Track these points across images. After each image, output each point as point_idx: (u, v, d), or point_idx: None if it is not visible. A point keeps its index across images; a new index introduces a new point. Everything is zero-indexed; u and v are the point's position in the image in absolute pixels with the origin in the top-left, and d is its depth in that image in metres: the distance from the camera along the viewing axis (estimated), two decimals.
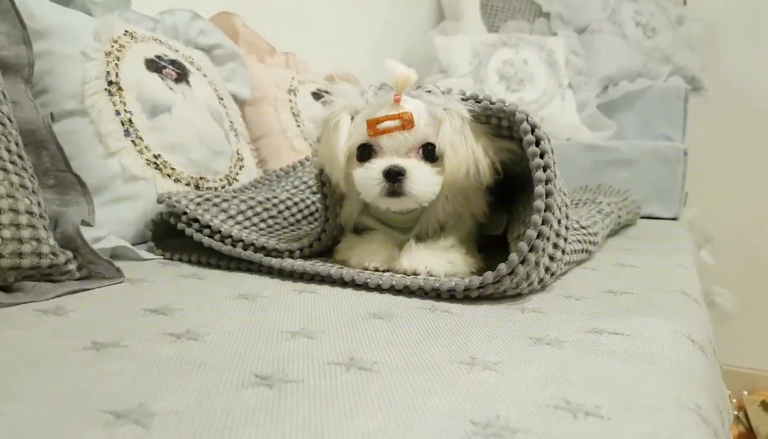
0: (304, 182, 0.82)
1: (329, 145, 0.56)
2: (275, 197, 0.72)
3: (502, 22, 1.99)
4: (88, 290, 0.49)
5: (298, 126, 1.12)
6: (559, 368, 0.34)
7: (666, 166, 1.39)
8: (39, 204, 0.51)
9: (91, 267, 0.53)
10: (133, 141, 0.70)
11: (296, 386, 0.30)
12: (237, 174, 0.85)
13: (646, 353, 0.37)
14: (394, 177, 0.53)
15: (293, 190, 0.80)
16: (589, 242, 0.70)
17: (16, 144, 0.52)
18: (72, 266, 0.51)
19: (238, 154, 0.88)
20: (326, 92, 1.36)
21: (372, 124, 0.54)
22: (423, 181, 0.53)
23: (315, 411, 0.27)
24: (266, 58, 1.25)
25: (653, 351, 0.37)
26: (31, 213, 0.49)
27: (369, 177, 0.54)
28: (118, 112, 0.70)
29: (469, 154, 0.53)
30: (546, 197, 0.49)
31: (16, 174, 0.50)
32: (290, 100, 1.14)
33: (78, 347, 0.35)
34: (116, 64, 0.72)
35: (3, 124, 0.51)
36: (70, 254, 0.52)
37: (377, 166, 0.53)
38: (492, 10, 2.02)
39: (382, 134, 0.54)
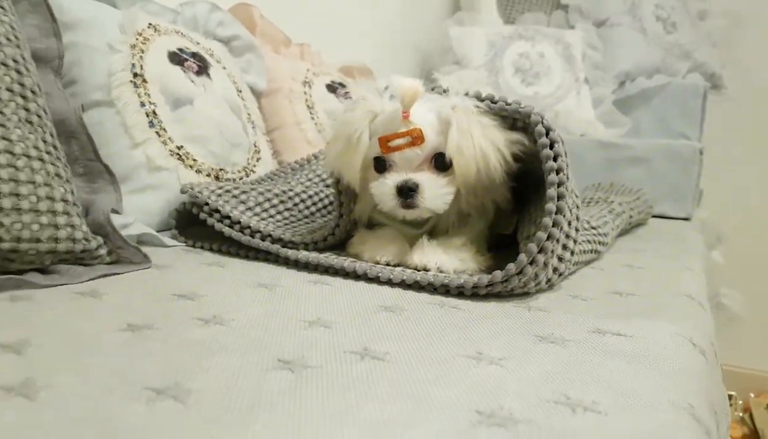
0: (318, 175, 0.84)
1: (347, 157, 0.58)
2: (291, 190, 0.75)
3: (519, 14, 1.97)
4: (118, 274, 0.52)
5: (313, 118, 1.13)
6: (562, 366, 0.36)
7: (681, 165, 1.38)
8: (72, 192, 0.53)
9: (120, 252, 0.56)
10: (157, 132, 0.73)
11: (315, 371, 0.32)
12: (254, 166, 0.88)
13: (647, 354, 0.38)
14: (406, 193, 0.55)
15: (307, 183, 0.82)
16: (599, 243, 0.71)
17: (51, 135, 0.55)
18: (103, 251, 0.54)
19: (255, 146, 0.90)
20: (341, 85, 1.36)
21: (383, 143, 0.56)
22: (435, 194, 0.56)
23: (333, 396, 0.30)
24: (281, 48, 1.26)
25: (654, 353, 0.39)
26: (65, 201, 0.52)
27: (383, 192, 0.57)
28: (142, 104, 0.73)
29: (477, 154, 0.54)
30: (558, 200, 0.51)
31: (51, 164, 0.53)
32: (305, 93, 1.16)
33: (115, 329, 0.37)
34: (141, 56, 0.75)
35: (39, 116, 0.54)
36: (100, 239, 0.55)
37: (391, 181, 0.56)
38: (509, 1, 2.01)
39: (394, 151, 0.56)
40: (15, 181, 0.48)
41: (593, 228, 0.74)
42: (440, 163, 0.56)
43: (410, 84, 0.55)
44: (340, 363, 0.34)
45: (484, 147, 0.54)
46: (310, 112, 1.13)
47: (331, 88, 1.20)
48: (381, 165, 0.57)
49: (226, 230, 0.65)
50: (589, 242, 0.68)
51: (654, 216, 1.34)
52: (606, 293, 0.55)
